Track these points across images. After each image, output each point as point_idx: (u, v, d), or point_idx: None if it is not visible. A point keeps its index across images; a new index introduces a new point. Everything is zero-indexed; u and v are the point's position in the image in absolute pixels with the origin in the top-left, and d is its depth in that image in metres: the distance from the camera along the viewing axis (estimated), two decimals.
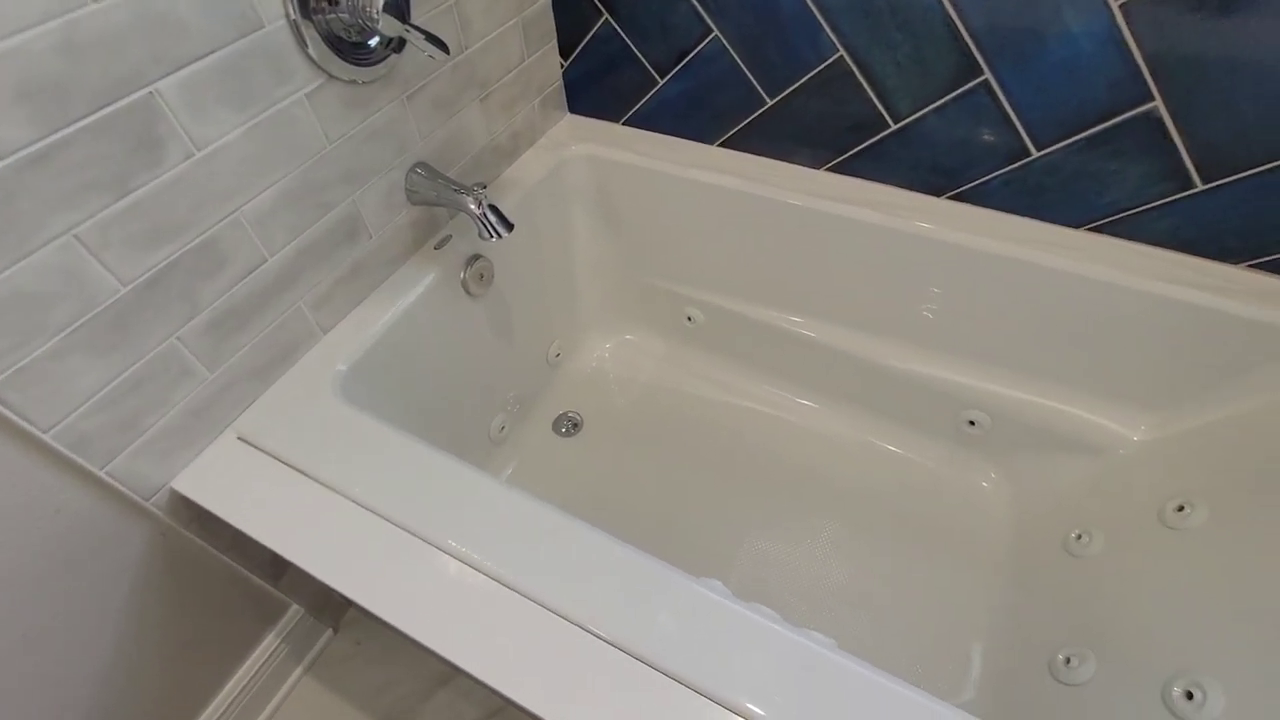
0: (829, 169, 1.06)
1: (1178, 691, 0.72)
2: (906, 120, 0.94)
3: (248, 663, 0.96)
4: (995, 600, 1.00)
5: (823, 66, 0.94)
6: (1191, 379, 0.92)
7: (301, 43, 0.70)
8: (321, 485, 0.70)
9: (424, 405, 0.98)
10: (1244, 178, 0.79)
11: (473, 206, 0.88)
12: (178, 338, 0.68)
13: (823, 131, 1.01)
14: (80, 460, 0.63)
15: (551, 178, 1.15)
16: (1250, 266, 0.86)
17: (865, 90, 0.93)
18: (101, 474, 0.66)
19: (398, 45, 0.81)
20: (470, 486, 0.69)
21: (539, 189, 1.12)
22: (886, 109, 0.94)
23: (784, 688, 0.54)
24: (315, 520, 0.68)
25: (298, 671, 1.05)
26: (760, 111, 1.04)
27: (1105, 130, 0.82)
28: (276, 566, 0.93)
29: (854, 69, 0.92)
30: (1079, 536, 0.97)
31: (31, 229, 0.54)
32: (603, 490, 1.19)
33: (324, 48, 0.72)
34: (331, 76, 0.74)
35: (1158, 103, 0.78)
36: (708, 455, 1.23)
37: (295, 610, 1.01)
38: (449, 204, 0.92)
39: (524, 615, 0.60)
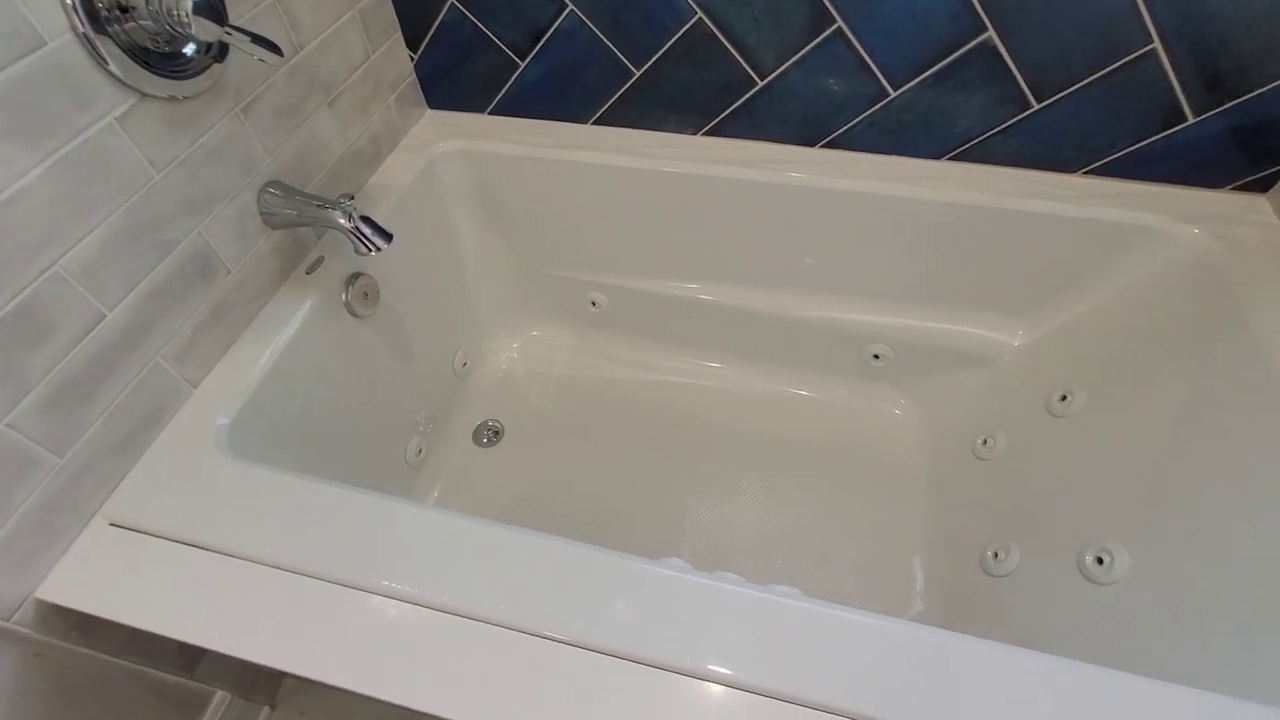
0: (705, 133, 1.06)
1: (1089, 559, 0.80)
2: (772, 76, 0.95)
3: None
4: (923, 515, 1.07)
5: (683, 30, 0.93)
6: (1053, 282, 1.01)
7: (99, 59, 0.60)
8: (221, 555, 0.62)
9: (326, 444, 0.89)
10: (1071, 93, 0.87)
11: (343, 221, 0.81)
12: (8, 424, 0.58)
13: (694, 96, 1.01)
14: None
15: (423, 179, 1.08)
16: (1086, 173, 0.96)
17: (728, 50, 0.94)
18: None
19: (219, 52, 0.72)
20: (393, 519, 0.64)
21: (412, 193, 1.05)
22: (752, 66, 0.95)
23: (760, 645, 0.54)
24: (221, 594, 0.60)
25: None
26: (629, 84, 1.03)
27: (950, 64, 0.88)
28: (187, 655, 0.83)
29: (714, 30, 0.92)
30: (984, 441, 1.06)
31: None
32: (538, 493, 1.16)
33: (128, 62, 0.62)
34: (144, 95, 0.64)
35: (990, 32, 0.84)
36: (635, 435, 1.22)
37: (222, 697, 0.90)
38: (315, 222, 0.83)
39: (480, 640, 0.56)
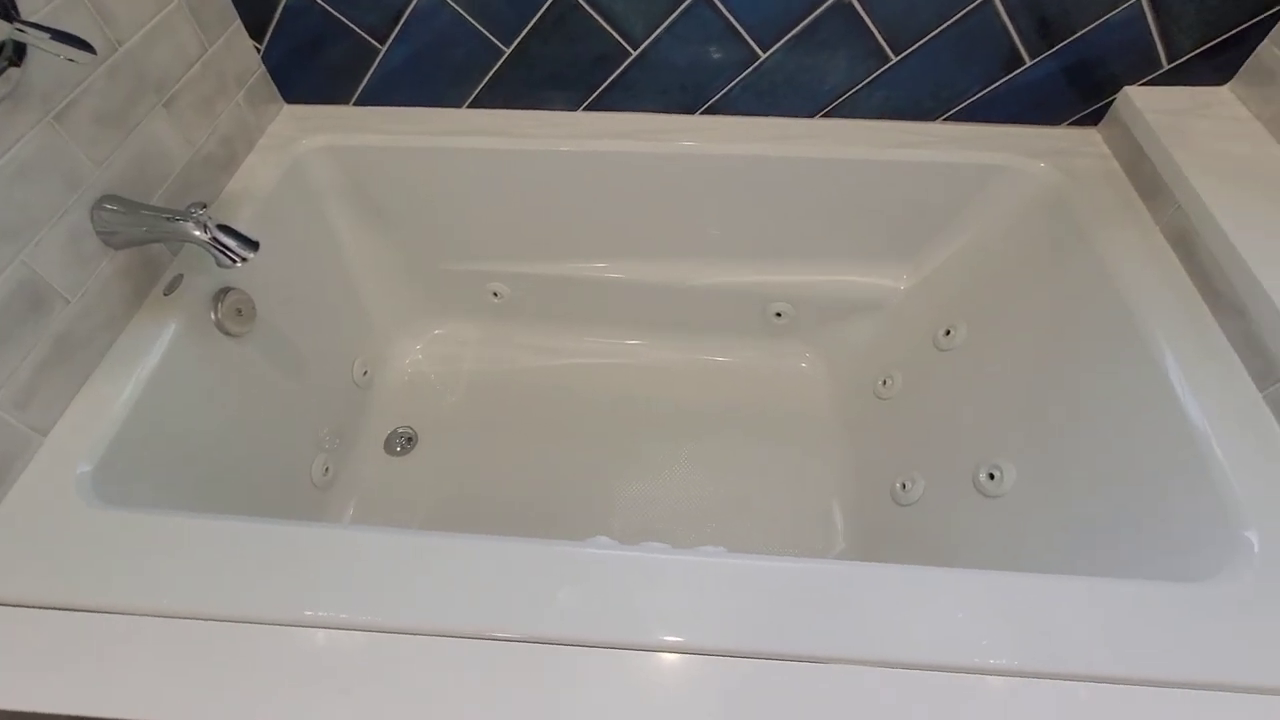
0: (586, 108, 1.04)
1: (983, 476, 0.87)
2: (644, 45, 0.95)
3: None
4: (837, 459, 1.13)
5: (549, 3, 0.91)
6: (929, 226, 1.07)
7: None
8: (107, 614, 0.56)
9: (216, 477, 0.82)
10: (923, 44, 0.92)
11: (197, 233, 0.74)
12: None
13: (569, 71, 0.99)
14: None
15: (289, 180, 1.00)
16: (945, 120, 1.02)
17: (597, 21, 0.92)
18: None
19: (14, 54, 0.63)
20: (305, 543, 0.60)
21: (278, 196, 0.97)
22: (623, 36, 0.94)
23: (696, 607, 0.55)
24: (115, 656, 0.54)
25: None
26: (501, 62, 0.99)
27: (811, 23, 0.90)
28: None
29: (580, 1, 0.90)
30: (884, 382, 1.12)
31: None
32: (461, 494, 1.12)
33: None
34: None
35: None
36: (554, 422, 1.20)
37: None
38: (165, 237, 0.76)
39: (424, 654, 0.54)
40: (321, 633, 0.55)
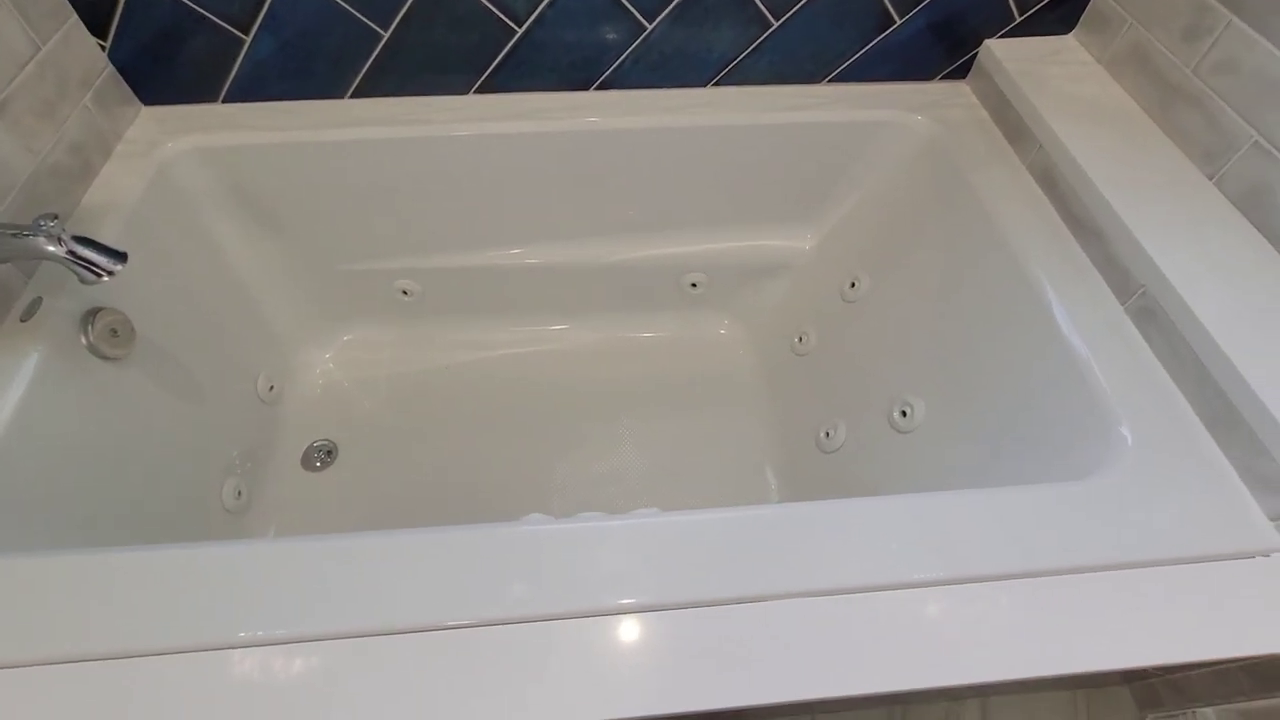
0: (477, 91, 1.02)
1: (896, 415, 0.92)
2: (528, 22, 0.93)
3: None
4: (763, 418, 1.16)
5: None
6: (825, 184, 1.12)
7: None
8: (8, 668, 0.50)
9: (111, 513, 0.75)
10: (800, 8, 0.95)
11: (51, 248, 0.66)
12: None
13: (455, 52, 0.96)
14: None
15: (156, 188, 0.92)
16: (829, 81, 1.06)
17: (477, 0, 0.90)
18: None
19: None
20: (224, 562, 0.56)
21: (146, 206, 0.89)
22: (505, 13, 0.92)
23: (638, 568, 0.56)
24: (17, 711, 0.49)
25: None
26: (380, 47, 0.95)
27: None
28: None
29: None
30: (799, 339, 1.16)
31: None
32: (389, 501, 1.08)
33: None
34: None
35: None
36: (480, 416, 1.18)
37: None
38: (13, 256, 0.68)
39: (380, 654, 0.51)
40: (253, 652, 0.52)
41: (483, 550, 0.57)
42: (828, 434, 1.03)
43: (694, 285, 1.22)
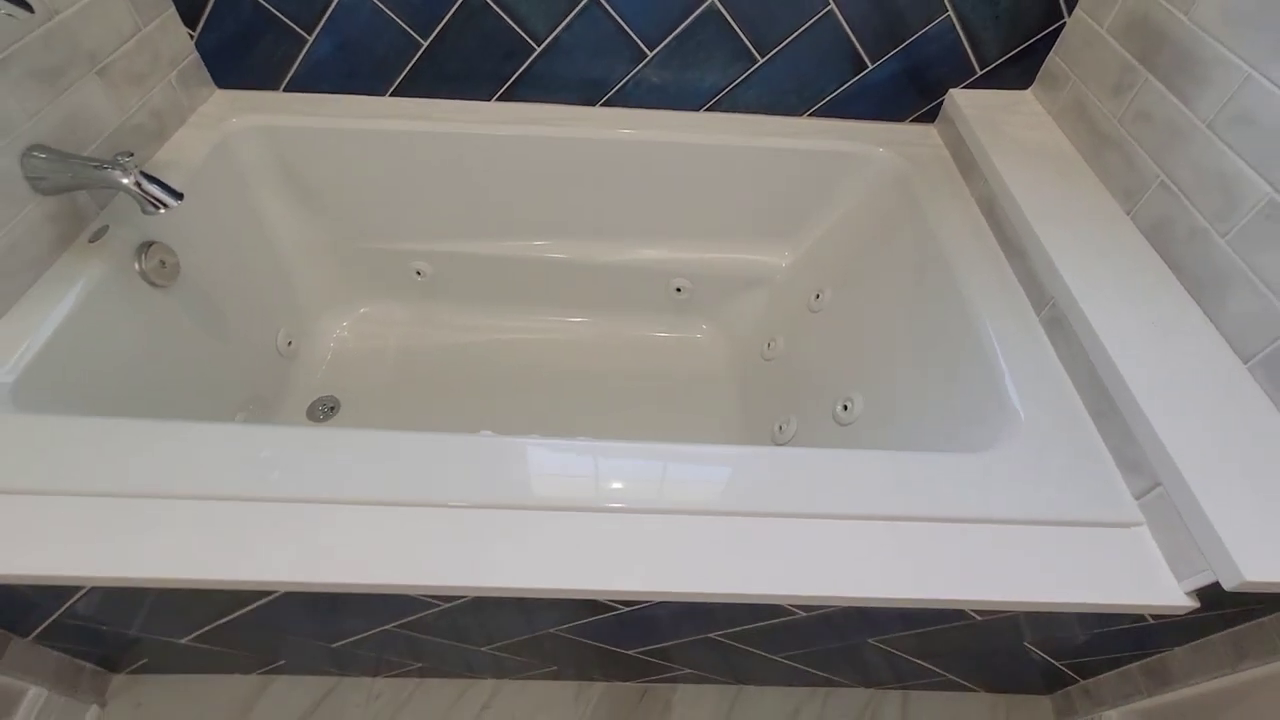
0: (498, 99, 1.17)
1: (839, 409, 1.01)
2: (547, 41, 1.08)
3: None
4: (728, 414, 1.25)
5: (460, 1, 1.03)
6: (803, 209, 1.23)
7: None
8: (26, 495, 0.62)
9: (135, 405, 0.88)
10: (783, 48, 1.09)
11: (124, 180, 0.81)
12: None
13: (482, 64, 1.12)
14: None
15: (218, 154, 1.08)
16: (810, 115, 1.19)
17: (504, 19, 1.05)
18: None
19: None
20: (222, 437, 0.67)
21: (207, 168, 1.05)
22: (527, 33, 1.07)
23: (638, 479, 0.65)
24: (17, 535, 0.60)
25: None
26: (419, 54, 1.11)
27: (688, 26, 1.06)
28: None
29: (488, 0, 1.03)
30: (769, 344, 1.26)
31: None
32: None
33: None
34: None
35: (713, 1, 1.03)
36: (476, 392, 1.29)
37: (37, 693, 0.84)
38: (92, 184, 0.83)
39: (370, 517, 0.62)
40: (243, 504, 0.62)
41: (485, 451, 0.67)
42: (781, 428, 1.12)
43: (679, 290, 1.33)
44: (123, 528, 0.60)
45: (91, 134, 0.89)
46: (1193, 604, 0.61)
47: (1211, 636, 0.75)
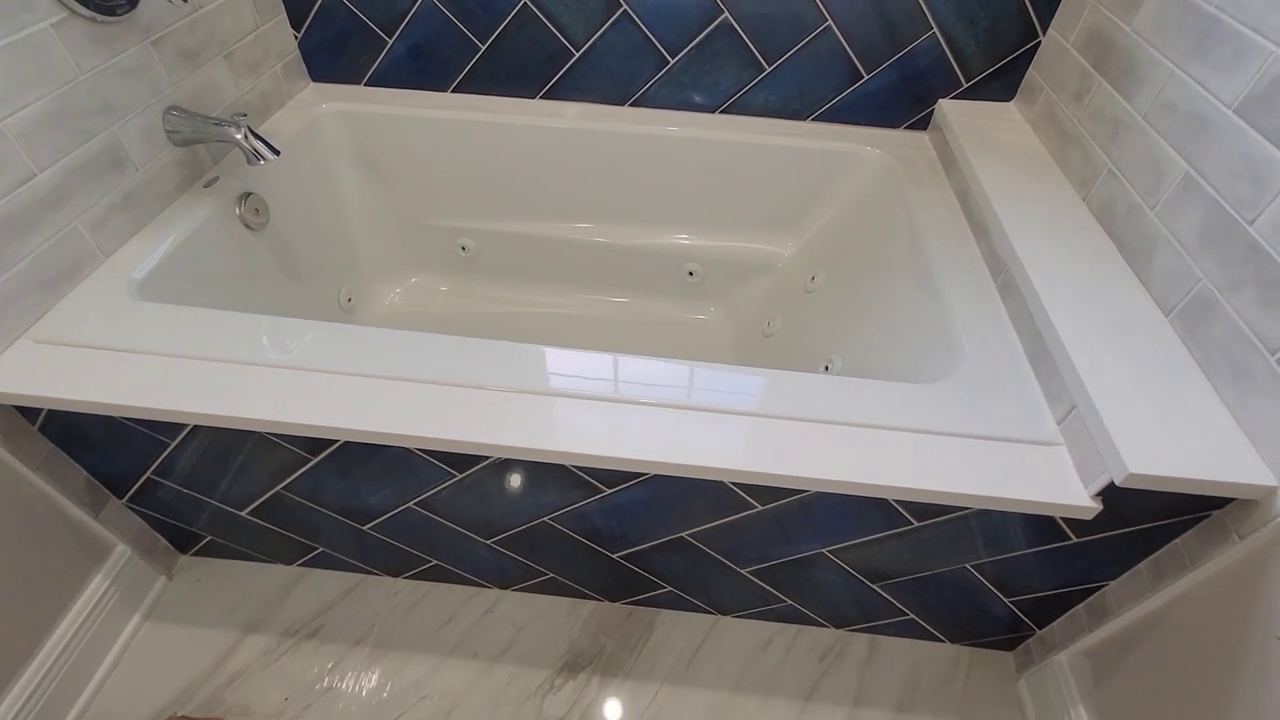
0: (542, 97, 1.36)
1: (821, 368, 1.12)
2: (584, 48, 1.27)
3: (77, 606, 0.95)
4: None
5: (515, 12, 1.24)
6: (805, 203, 1.37)
7: None
8: (150, 354, 0.79)
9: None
10: (787, 58, 1.25)
11: (237, 135, 1.02)
12: None
13: (529, 65, 1.31)
14: None
15: (308, 131, 1.29)
16: (812, 119, 1.34)
17: (549, 28, 1.25)
18: None
19: (130, 3, 0.92)
20: (309, 330, 0.84)
21: (298, 140, 1.26)
22: (569, 40, 1.27)
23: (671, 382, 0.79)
24: (136, 380, 0.77)
25: (136, 619, 1.04)
26: (478, 57, 1.31)
27: (705, 37, 1.23)
28: (94, 494, 0.95)
29: (537, 12, 1.23)
30: (769, 323, 1.38)
31: None
32: None
33: None
34: (73, 12, 0.84)
35: (726, 14, 1.20)
36: None
37: (122, 551, 1.01)
38: (211, 137, 1.03)
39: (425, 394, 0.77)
40: (329, 376, 0.78)
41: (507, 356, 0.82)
42: None
43: (691, 274, 1.48)
44: (219, 383, 0.77)
45: (213, 104, 1.11)
46: (1096, 506, 0.70)
47: (1138, 566, 0.82)
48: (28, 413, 0.83)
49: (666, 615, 1.10)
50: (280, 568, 1.13)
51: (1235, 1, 0.77)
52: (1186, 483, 0.66)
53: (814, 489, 0.74)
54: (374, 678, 1.01)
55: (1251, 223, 0.71)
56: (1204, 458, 0.66)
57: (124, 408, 0.75)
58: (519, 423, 0.74)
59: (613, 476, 0.81)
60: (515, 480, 0.84)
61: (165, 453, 0.87)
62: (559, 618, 1.09)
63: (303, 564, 1.13)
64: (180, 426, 0.82)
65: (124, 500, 1.00)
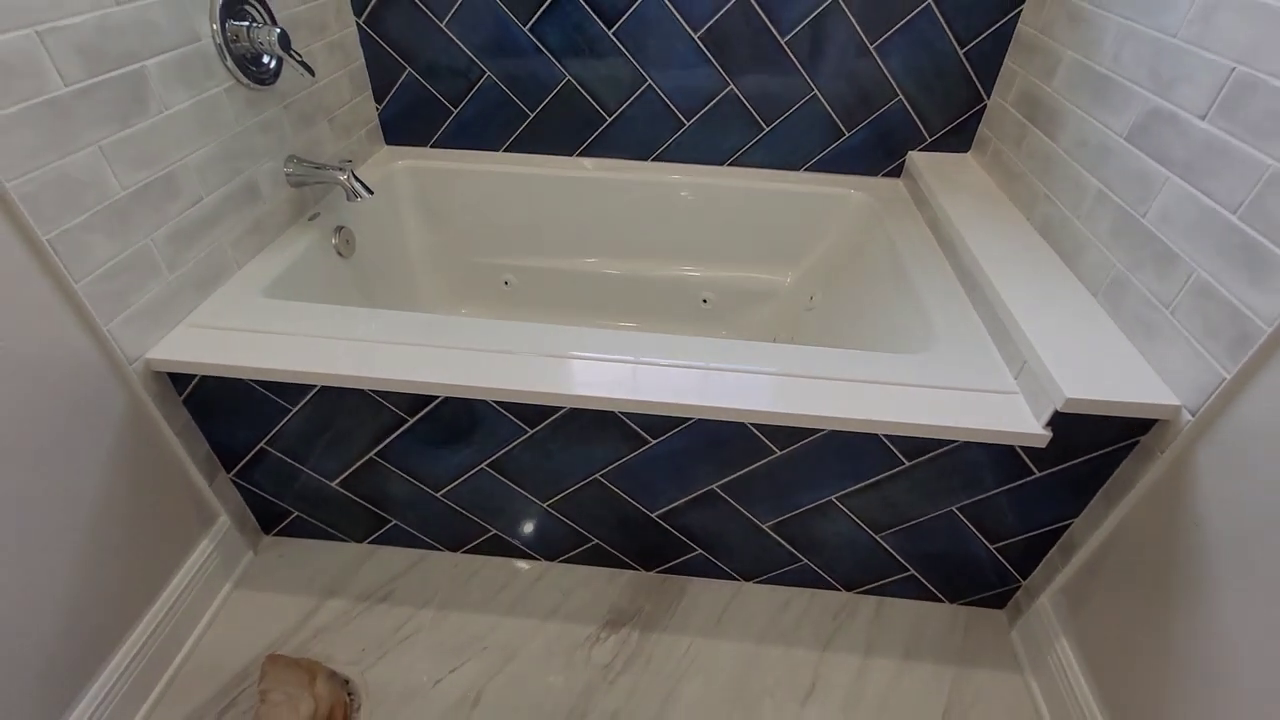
0: (579, 154, 1.63)
1: None
2: (615, 114, 1.55)
3: (188, 563, 1.10)
4: None
5: (559, 87, 1.52)
6: (801, 238, 1.61)
7: (222, 55, 1.06)
8: (288, 335, 0.99)
9: None
10: (781, 121, 1.52)
11: (341, 177, 1.26)
12: (151, 239, 0.95)
13: (569, 129, 1.59)
14: (92, 311, 0.86)
15: (384, 184, 1.55)
16: (806, 170, 1.60)
17: (587, 99, 1.54)
18: (105, 329, 0.88)
19: (277, 69, 1.19)
20: (400, 318, 1.04)
21: (378, 190, 1.52)
22: (602, 108, 1.55)
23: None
24: (269, 351, 0.97)
25: (228, 586, 1.18)
26: (526, 123, 1.59)
27: (714, 105, 1.51)
28: (210, 465, 1.11)
29: (578, 87, 1.52)
30: (774, 340, 1.59)
31: (74, 137, 0.82)
32: None
33: (233, 61, 1.08)
34: (238, 81, 1.10)
35: (731, 86, 1.48)
36: None
37: (224, 521, 1.16)
38: (321, 179, 1.28)
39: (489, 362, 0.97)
40: (410, 348, 0.97)
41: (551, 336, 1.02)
42: None
43: (705, 301, 1.70)
44: (338, 354, 0.96)
45: (318, 156, 1.37)
46: (1046, 434, 0.88)
47: (1093, 501, 0.99)
48: (178, 383, 1.02)
49: (696, 582, 1.24)
50: (352, 546, 1.27)
51: (1118, 62, 1.03)
52: (1113, 405, 0.84)
53: (823, 427, 0.92)
54: (439, 633, 1.13)
55: (1144, 216, 0.93)
56: (1124, 387, 0.85)
57: (261, 370, 0.94)
58: (582, 378, 0.93)
59: (658, 423, 0.98)
60: (578, 431, 1.02)
61: (283, 421, 1.05)
62: (600, 584, 1.22)
63: (372, 541, 1.27)
64: (304, 389, 1.00)
65: (231, 474, 1.16)
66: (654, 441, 1.01)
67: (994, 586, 1.18)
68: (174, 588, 1.07)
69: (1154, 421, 0.88)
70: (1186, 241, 0.85)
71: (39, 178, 0.78)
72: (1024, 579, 1.15)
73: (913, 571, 1.17)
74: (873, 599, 1.23)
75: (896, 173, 1.59)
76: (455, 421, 1.02)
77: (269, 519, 1.26)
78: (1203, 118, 0.84)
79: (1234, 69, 0.80)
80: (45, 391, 0.82)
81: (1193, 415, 0.82)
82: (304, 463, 1.13)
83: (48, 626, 0.86)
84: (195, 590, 1.11)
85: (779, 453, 1.00)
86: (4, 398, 0.77)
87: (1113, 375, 0.88)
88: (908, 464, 0.99)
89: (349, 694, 1.04)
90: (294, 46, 1.19)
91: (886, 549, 1.14)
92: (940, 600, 1.22)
